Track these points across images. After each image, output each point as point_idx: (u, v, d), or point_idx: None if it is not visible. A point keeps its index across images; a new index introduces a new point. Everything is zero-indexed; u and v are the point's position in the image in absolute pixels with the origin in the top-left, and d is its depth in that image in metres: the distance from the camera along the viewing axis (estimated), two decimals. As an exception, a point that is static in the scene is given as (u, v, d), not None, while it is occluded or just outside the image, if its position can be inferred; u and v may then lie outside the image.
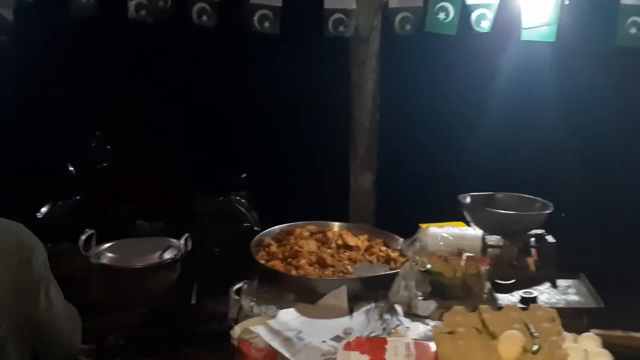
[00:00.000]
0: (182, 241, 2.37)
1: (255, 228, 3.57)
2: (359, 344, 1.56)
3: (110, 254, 2.25)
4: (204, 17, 2.75)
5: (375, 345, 1.54)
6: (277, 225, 2.69)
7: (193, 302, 2.31)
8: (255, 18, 2.73)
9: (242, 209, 3.80)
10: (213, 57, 3.58)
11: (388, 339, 1.58)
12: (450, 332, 1.51)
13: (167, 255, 2.26)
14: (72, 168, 3.89)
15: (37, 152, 3.76)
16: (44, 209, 3.72)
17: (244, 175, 3.81)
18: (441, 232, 2.23)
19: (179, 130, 4.04)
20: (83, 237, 2.31)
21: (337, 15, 2.76)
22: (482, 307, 1.61)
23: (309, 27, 2.88)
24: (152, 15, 2.75)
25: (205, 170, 3.87)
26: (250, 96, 3.71)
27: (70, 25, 3.14)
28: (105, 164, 4.02)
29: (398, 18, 2.74)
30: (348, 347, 1.56)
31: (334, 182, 3.41)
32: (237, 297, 2.26)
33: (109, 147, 4.03)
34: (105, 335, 2.21)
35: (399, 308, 2.03)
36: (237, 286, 2.28)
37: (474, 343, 1.46)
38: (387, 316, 1.98)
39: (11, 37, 3.29)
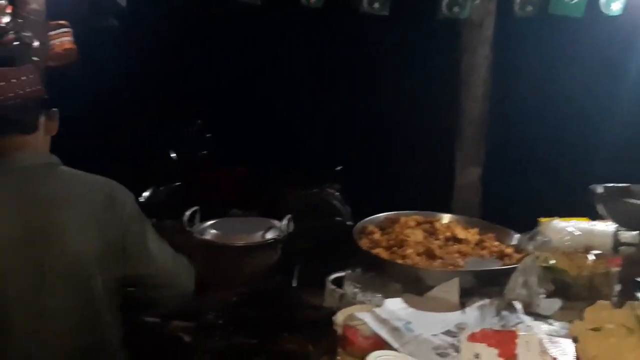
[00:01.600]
0: (285, 222, 2.31)
1: (348, 222, 3.48)
2: (486, 336, 1.41)
3: (213, 231, 2.22)
4: (310, -3, 2.68)
5: (504, 338, 1.39)
6: None
7: (294, 285, 2.23)
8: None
9: (335, 202, 3.72)
10: (317, 40, 3.53)
11: (519, 332, 1.42)
12: (595, 329, 1.33)
13: (269, 235, 2.20)
14: (174, 155, 3.96)
15: (143, 139, 3.84)
16: (146, 193, 3.81)
17: (339, 168, 3.73)
18: (567, 227, 2.02)
19: (277, 122, 4.02)
20: (188, 213, 2.29)
21: (451, -4, 2.62)
22: (633, 303, 1.42)
23: (420, 8, 2.75)
24: None
25: (301, 162, 3.82)
26: (350, 84, 3.62)
27: (179, 10, 3.19)
28: (204, 152, 4.07)
29: (519, -1, 2.56)
30: (472, 338, 1.42)
31: (437, 175, 3.26)
32: (333, 287, 2.17)
33: (209, 135, 4.07)
34: (203, 313, 2.19)
35: (518, 305, 1.86)
36: (334, 276, 2.20)
37: (628, 342, 1.28)
38: (505, 313, 1.82)
39: (123, 21, 3.39)
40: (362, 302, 1.96)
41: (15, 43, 2.66)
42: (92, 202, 1.64)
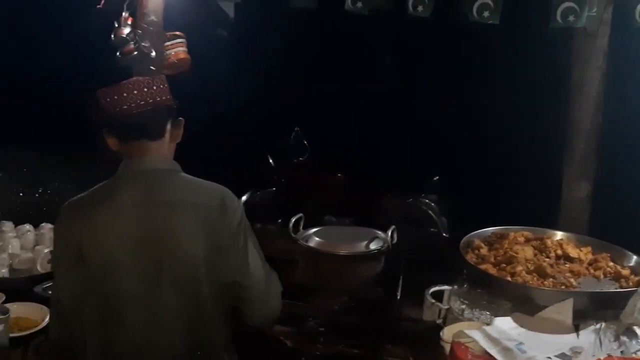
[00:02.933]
0: (389, 233, 2.30)
1: (444, 234, 3.41)
2: (612, 363, 1.34)
3: (317, 239, 2.24)
4: (420, 8, 2.66)
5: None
6: (468, 232, 2.48)
7: (398, 296, 2.22)
8: (475, 7, 2.58)
9: (431, 213, 3.65)
10: (420, 48, 3.48)
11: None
12: None
13: (373, 246, 2.20)
14: (272, 161, 4.04)
15: (243, 144, 3.94)
16: (244, 197, 3.91)
17: (436, 178, 3.66)
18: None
19: (374, 130, 4.01)
20: (293, 220, 2.33)
21: (567, 4, 2.52)
22: None
23: (532, 17, 2.66)
24: (368, 6, 2.73)
25: (398, 170, 3.78)
26: (453, 92, 3.54)
27: (287, 19, 3.25)
28: (301, 159, 4.13)
29: (640, 7, 2.43)
30: (599, 365, 1.35)
31: (542, 189, 3.13)
32: (432, 301, 2.14)
33: (306, 142, 4.13)
34: (305, 319, 2.21)
35: (638, 330, 1.75)
36: (433, 289, 2.16)
37: None
38: (624, 338, 1.72)
39: (231, 32, 3.51)
40: (469, 319, 1.92)
41: (135, 53, 2.83)
42: (205, 207, 1.69)
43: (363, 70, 3.76)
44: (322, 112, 4.00)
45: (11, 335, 1.98)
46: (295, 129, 4.08)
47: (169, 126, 1.78)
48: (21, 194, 4.17)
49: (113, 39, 2.85)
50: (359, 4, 2.74)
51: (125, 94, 1.71)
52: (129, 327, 1.69)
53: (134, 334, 1.69)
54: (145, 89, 1.72)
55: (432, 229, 3.54)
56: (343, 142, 3.97)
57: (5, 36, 3.92)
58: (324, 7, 2.81)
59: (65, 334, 1.74)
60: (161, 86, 1.77)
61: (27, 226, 2.71)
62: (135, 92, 1.71)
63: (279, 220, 3.32)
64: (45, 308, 2.13)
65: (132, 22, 2.86)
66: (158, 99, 1.74)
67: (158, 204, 1.70)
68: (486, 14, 2.58)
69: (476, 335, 1.72)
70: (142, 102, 1.71)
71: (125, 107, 1.70)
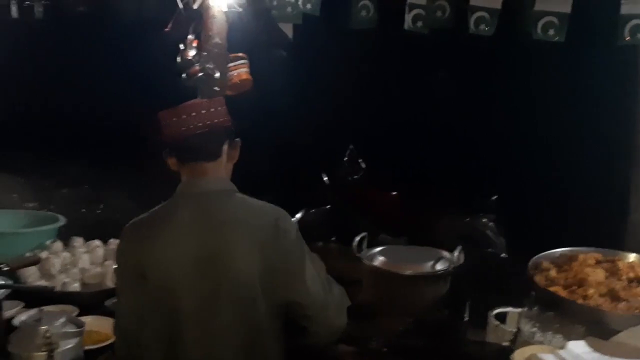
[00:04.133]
0: (456, 254, 2.28)
1: (502, 255, 3.35)
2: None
3: (382, 258, 2.24)
4: (482, 26, 2.65)
5: None
6: (527, 253, 2.43)
7: (466, 318, 2.19)
8: (540, 25, 2.56)
9: (489, 233, 3.59)
10: (481, 68, 3.46)
11: None
12: None
13: (439, 266, 2.18)
14: (326, 179, 4.07)
15: (300, 162, 3.98)
16: (298, 215, 3.94)
17: (494, 197, 3.60)
18: None
19: (431, 147, 3.98)
20: (357, 239, 2.34)
21: (635, 21, 2.47)
22: None
23: (597, 34, 2.62)
24: (429, 26, 2.74)
25: (455, 188, 3.74)
26: (513, 109, 3.49)
27: (343, 39, 3.29)
28: (356, 177, 4.14)
29: None
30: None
31: (608, 210, 3.04)
32: (497, 323, 2.10)
33: (360, 160, 4.14)
34: (368, 339, 2.20)
35: None
36: (496, 311, 2.13)
37: None
38: None
39: (290, 52, 3.57)
40: (540, 342, 1.87)
41: (200, 74, 2.90)
42: (260, 227, 1.71)
43: (420, 89, 3.76)
44: (377, 130, 4.01)
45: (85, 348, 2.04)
46: (350, 147, 4.10)
47: (225, 147, 1.82)
48: (83, 210, 4.31)
49: (179, 61, 2.93)
50: (419, 23, 2.75)
51: (184, 116, 1.77)
52: (187, 345, 1.72)
53: (192, 352, 1.72)
54: (204, 111, 1.78)
55: (489, 250, 3.49)
56: (398, 161, 3.97)
57: (74, 59, 4.12)
58: (382, 27, 2.84)
59: (129, 352, 1.79)
60: (219, 108, 1.82)
61: (97, 242, 2.80)
62: (194, 114, 1.76)
63: (333, 239, 3.34)
64: (116, 322, 2.19)
65: (197, 44, 2.95)
66: (216, 120, 1.79)
67: (214, 224, 1.72)
68: (551, 31, 2.55)
69: (550, 359, 1.68)
70: (200, 124, 1.75)
71: (184, 128, 1.75)
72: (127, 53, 3.66)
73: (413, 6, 2.74)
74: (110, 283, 2.51)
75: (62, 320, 1.91)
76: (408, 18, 2.76)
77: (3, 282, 2.00)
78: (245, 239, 1.69)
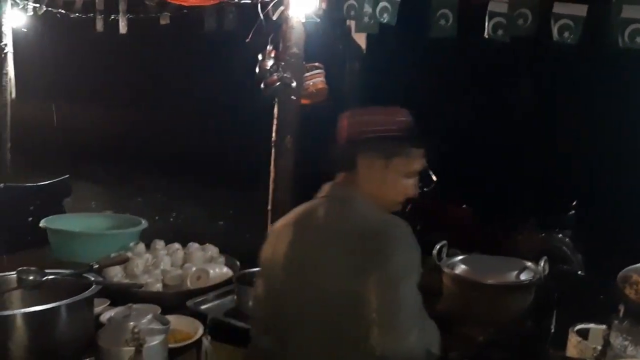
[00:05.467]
0: (541, 264, 2.21)
1: (579, 272, 3.23)
2: None
3: (463, 266, 2.20)
4: (566, 34, 2.59)
5: None
6: (604, 270, 2.34)
7: (552, 330, 2.12)
8: (627, 32, 2.48)
9: (566, 249, 3.47)
10: (561, 78, 3.39)
11: None
12: None
13: (524, 276, 2.13)
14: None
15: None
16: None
17: (572, 212, 3.49)
18: None
19: (504, 159, 3.91)
20: (437, 247, 2.31)
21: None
22: None
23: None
24: (510, 34, 2.70)
25: (530, 203, 3.65)
26: (592, 122, 3.39)
27: (422, 48, 3.29)
28: (426, 189, 4.09)
29: None
30: None
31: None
32: (579, 339, 2.02)
33: (431, 172, 4.09)
34: (448, 349, 2.15)
35: None
36: (578, 327, 2.05)
37: None
38: None
39: (364, 62, 3.60)
40: (632, 356, 1.80)
41: (278, 83, 2.98)
42: (362, 244, 1.60)
43: (495, 100, 3.71)
44: (450, 142, 3.97)
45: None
46: (422, 160, 4.06)
47: (362, 158, 1.73)
48: (157, 218, 4.44)
49: (257, 71, 3.02)
50: (500, 32, 2.72)
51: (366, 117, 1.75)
52: (282, 355, 1.73)
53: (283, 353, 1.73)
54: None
55: (565, 266, 3.37)
56: (471, 173, 3.91)
57: (155, 72, 4.31)
58: (461, 36, 2.82)
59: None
60: (403, 119, 1.77)
61: (176, 245, 2.88)
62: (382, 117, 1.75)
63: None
64: (197, 322, 2.24)
65: (275, 54, 3.02)
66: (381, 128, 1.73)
67: (316, 229, 1.70)
68: (638, 39, 2.47)
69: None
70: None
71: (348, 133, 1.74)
72: (208, 65, 3.78)
73: (493, 14, 2.71)
74: (190, 285, 2.57)
75: (149, 317, 1.96)
76: (488, 26, 2.73)
77: (93, 279, 2.08)
78: (343, 249, 1.62)
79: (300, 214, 1.76)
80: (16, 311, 1.85)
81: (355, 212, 1.68)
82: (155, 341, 1.90)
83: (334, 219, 1.69)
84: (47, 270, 2.04)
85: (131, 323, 1.89)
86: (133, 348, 1.84)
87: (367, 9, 2.86)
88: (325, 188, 1.76)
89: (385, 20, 2.86)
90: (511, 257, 2.33)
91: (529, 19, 2.68)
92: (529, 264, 2.23)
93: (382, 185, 1.72)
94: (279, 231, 1.78)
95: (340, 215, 1.69)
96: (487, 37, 2.73)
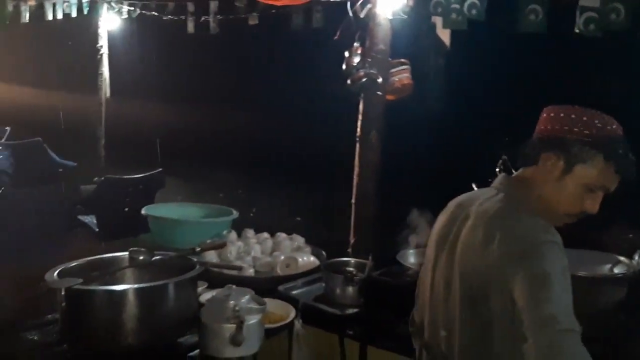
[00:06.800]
0: (635, 258, 2.18)
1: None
2: None
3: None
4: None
5: None
6: None
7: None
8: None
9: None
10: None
11: None
12: None
13: (617, 270, 2.10)
14: (476, 188, 4.01)
15: (450, 170, 3.98)
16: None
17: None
18: None
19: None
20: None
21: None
22: None
23: None
24: (602, 29, 2.66)
25: (621, 198, 3.53)
26: None
27: (507, 43, 3.28)
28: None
29: None
30: None
31: None
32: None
33: (514, 170, 4.05)
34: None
35: None
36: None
37: None
38: None
39: (449, 58, 3.61)
40: None
41: (364, 80, 3.05)
42: (510, 245, 1.53)
43: (587, 96, 3.63)
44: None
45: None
46: (503, 157, 4.02)
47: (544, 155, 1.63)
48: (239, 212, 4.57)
49: (344, 67, 3.10)
50: (592, 26, 2.68)
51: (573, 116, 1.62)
52: (423, 338, 1.77)
53: (427, 345, 1.75)
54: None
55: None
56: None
57: (244, 72, 4.47)
58: (551, 31, 2.80)
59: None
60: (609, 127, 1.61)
61: (266, 234, 3.01)
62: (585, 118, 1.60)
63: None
64: (289, 305, 2.35)
65: (362, 51, 3.10)
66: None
67: (473, 219, 1.64)
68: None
69: None
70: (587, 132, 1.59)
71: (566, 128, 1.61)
72: (294, 63, 3.90)
73: (585, 9, 2.68)
74: (280, 272, 2.69)
75: (247, 297, 2.08)
76: (579, 21, 2.70)
77: (196, 260, 2.22)
78: (494, 245, 1.55)
79: (466, 197, 1.75)
80: (129, 286, 2.01)
81: (516, 213, 1.60)
82: (253, 319, 2.01)
83: (495, 210, 1.61)
84: (155, 252, 2.20)
85: (231, 302, 2.00)
86: (234, 325, 1.95)
87: (455, 5, 2.88)
88: (500, 179, 1.71)
89: (473, 16, 2.88)
90: (604, 252, 2.30)
91: (622, 14, 2.63)
92: (622, 258, 2.20)
93: (559, 191, 1.60)
94: (445, 210, 1.78)
95: (501, 209, 1.61)
96: (577, 32, 2.70)
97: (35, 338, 2.09)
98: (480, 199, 1.69)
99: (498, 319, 1.55)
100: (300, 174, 4.92)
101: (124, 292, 1.93)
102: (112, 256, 2.22)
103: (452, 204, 1.77)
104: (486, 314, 1.57)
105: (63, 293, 1.91)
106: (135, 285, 2.02)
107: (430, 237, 1.80)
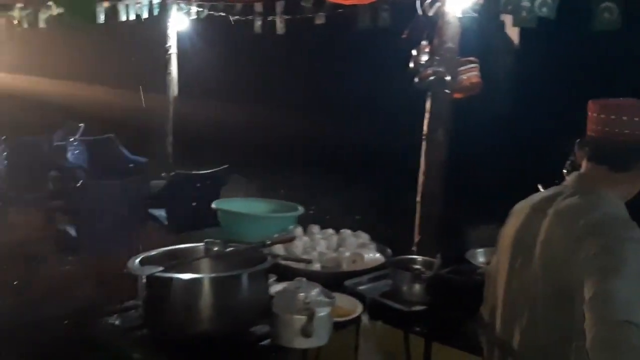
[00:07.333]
0: None
1: None
2: None
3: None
4: None
5: None
6: None
7: None
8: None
9: None
10: None
11: None
12: None
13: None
14: (542, 190, 3.95)
15: (515, 171, 3.92)
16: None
17: None
18: None
19: None
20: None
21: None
22: None
23: None
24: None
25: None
26: None
27: (578, 42, 3.21)
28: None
29: None
30: None
31: None
32: None
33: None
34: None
35: None
36: None
37: None
38: None
39: (518, 56, 3.57)
40: None
41: (432, 77, 3.05)
42: (591, 241, 1.54)
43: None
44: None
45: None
46: (570, 158, 3.94)
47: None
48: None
49: (411, 66, 3.11)
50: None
51: (613, 117, 1.62)
52: (499, 337, 1.78)
53: (505, 345, 1.75)
54: (637, 118, 1.60)
55: None
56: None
57: (310, 70, 4.53)
58: (628, 28, 2.73)
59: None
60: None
61: (331, 230, 3.05)
62: (625, 117, 1.60)
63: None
64: (356, 300, 2.38)
65: (430, 49, 3.10)
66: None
67: (552, 218, 1.65)
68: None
69: None
70: (627, 131, 1.60)
71: (607, 129, 1.62)
72: (360, 61, 3.93)
73: (662, 6, 2.61)
74: (346, 267, 2.72)
75: (317, 290, 2.13)
76: (656, 18, 2.63)
77: (268, 254, 2.28)
78: (574, 245, 1.56)
79: (541, 197, 1.76)
80: (205, 275, 2.09)
81: (596, 209, 1.60)
82: (323, 312, 2.05)
83: (575, 208, 1.63)
84: (229, 243, 2.28)
85: (302, 294, 2.06)
86: (304, 316, 2.00)
87: (526, 3, 2.85)
88: (574, 178, 1.71)
89: (543, 14, 2.84)
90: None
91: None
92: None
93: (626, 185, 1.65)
94: (517, 211, 1.78)
95: (580, 206, 1.62)
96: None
97: (117, 323, 2.19)
98: (556, 198, 1.68)
99: (580, 322, 1.52)
100: (361, 173, 4.94)
101: (201, 280, 2.01)
102: (189, 246, 2.31)
103: (524, 206, 1.77)
104: (569, 317, 1.56)
105: (144, 280, 2.01)
106: (213, 275, 2.10)
107: (503, 238, 1.80)
